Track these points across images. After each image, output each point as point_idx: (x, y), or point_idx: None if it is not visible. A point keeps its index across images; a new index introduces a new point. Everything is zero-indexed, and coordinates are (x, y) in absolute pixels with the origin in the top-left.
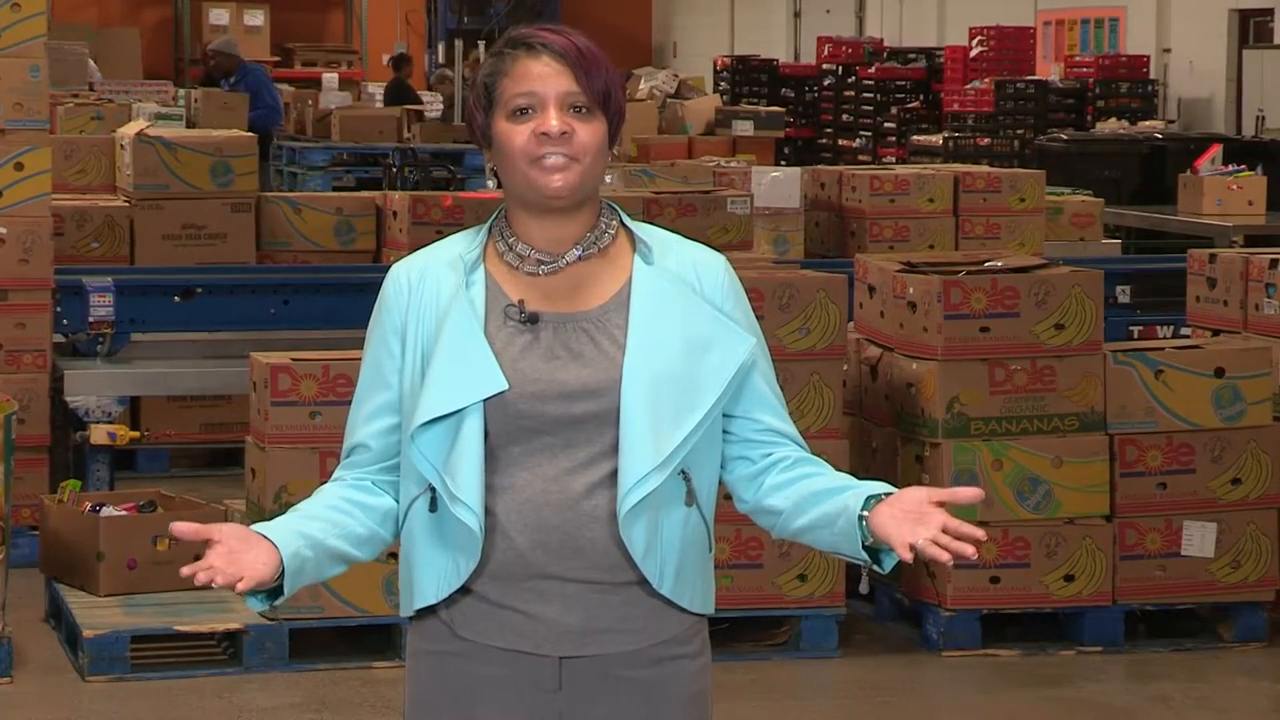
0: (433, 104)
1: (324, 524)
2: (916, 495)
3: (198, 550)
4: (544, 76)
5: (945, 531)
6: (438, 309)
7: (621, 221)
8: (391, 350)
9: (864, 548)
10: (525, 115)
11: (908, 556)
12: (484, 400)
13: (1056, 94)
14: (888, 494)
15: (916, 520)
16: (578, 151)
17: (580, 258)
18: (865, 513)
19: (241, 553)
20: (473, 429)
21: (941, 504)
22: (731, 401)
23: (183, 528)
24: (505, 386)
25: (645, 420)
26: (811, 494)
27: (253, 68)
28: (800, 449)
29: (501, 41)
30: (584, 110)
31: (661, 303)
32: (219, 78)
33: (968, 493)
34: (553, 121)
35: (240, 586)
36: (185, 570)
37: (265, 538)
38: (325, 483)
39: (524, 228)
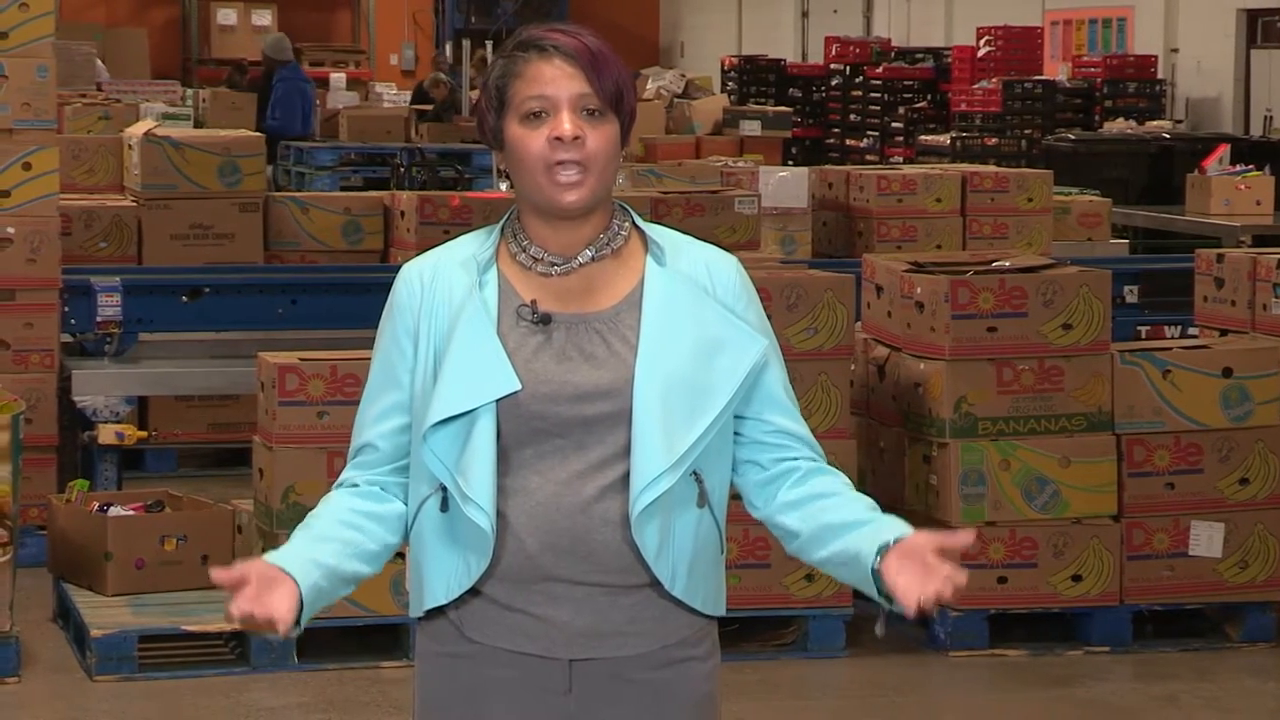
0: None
1: (337, 545)
2: (921, 545)
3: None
4: (556, 79)
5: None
6: (450, 309)
7: (634, 222)
8: (403, 350)
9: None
10: (538, 119)
11: (913, 615)
12: (496, 401)
13: (1064, 94)
14: (897, 539)
15: (923, 574)
16: (590, 157)
17: (593, 259)
18: (878, 565)
19: (266, 594)
20: (485, 429)
21: (943, 548)
22: (743, 403)
23: (222, 575)
24: (518, 387)
25: (657, 421)
26: (826, 527)
27: (290, 75)
28: (812, 451)
29: (512, 43)
30: (596, 113)
31: (673, 304)
32: (263, 81)
33: (962, 538)
34: (566, 125)
35: (281, 630)
36: (229, 614)
37: (285, 572)
38: (334, 483)
39: (536, 230)
